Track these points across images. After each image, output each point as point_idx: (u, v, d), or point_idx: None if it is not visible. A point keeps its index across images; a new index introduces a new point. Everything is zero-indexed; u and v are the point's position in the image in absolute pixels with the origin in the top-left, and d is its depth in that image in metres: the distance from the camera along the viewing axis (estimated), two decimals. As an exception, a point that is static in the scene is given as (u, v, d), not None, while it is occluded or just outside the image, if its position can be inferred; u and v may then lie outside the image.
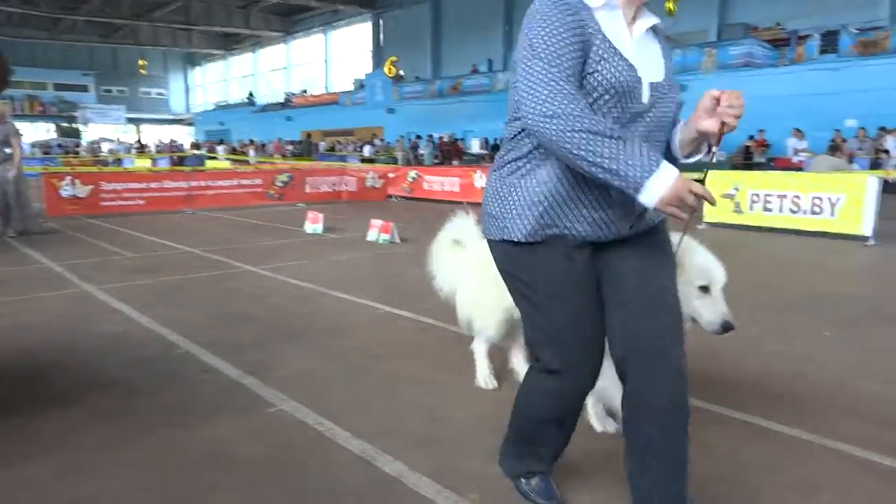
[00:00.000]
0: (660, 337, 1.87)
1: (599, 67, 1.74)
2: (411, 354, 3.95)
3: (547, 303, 1.92)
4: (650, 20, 1.88)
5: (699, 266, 2.25)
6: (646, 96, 1.81)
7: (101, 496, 2.33)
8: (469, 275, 3.26)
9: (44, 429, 2.88)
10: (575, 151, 1.66)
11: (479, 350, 3.45)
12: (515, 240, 1.91)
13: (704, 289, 2.24)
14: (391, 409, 3.12)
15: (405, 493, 2.35)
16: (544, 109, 1.68)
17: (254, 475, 2.48)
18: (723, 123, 1.76)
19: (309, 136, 31.76)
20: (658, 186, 1.62)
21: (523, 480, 2.23)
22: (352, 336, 4.34)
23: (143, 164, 25.89)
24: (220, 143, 35.57)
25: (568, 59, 1.71)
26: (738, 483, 2.39)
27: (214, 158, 27.59)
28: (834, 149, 10.49)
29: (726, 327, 2.23)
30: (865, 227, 8.44)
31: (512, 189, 1.91)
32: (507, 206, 1.92)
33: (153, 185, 12.54)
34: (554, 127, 1.67)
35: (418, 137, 27.17)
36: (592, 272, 1.92)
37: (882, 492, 2.35)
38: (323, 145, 31.18)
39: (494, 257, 2.04)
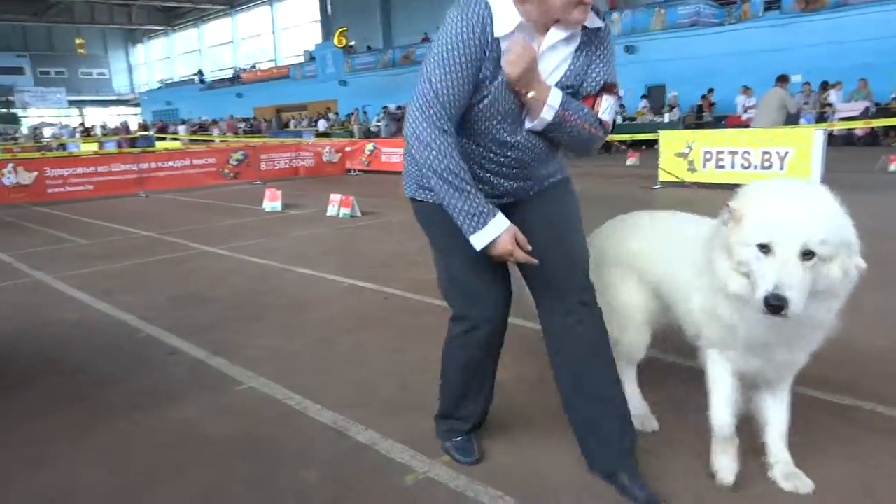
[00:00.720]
0: (569, 277, 2.11)
1: (480, 97, 1.92)
2: (377, 325, 3.97)
3: (448, 250, 2.14)
4: (559, 34, 1.92)
5: (758, 218, 1.73)
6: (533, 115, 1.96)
7: (72, 483, 2.31)
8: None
9: (8, 420, 2.83)
10: (429, 181, 1.92)
11: (625, 375, 2.46)
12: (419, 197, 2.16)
13: (764, 248, 1.70)
14: (360, 379, 3.15)
15: (379, 459, 2.39)
16: (419, 133, 1.89)
17: (226, 452, 2.49)
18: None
19: (279, 112, 31.07)
20: (482, 239, 1.90)
21: (447, 441, 2.39)
22: (317, 310, 4.33)
23: (90, 147, 24.97)
24: (183, 122, 34.60)
25: (458, 88, 1.87)
26: (686, 424, 2.49)
27: (164, 139, 26.80)
28: (782, 80, 10.61)
29: (769, 303, 1.64)
30: (813, 178, 8.73)
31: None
32: (411, 166, 2.15)
33: (101, 168, 12.16)
34: (422, 153, 1.90)
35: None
36: None
37: (827, 423, 2.49)
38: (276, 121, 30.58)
39: (413, 211, 2.22)
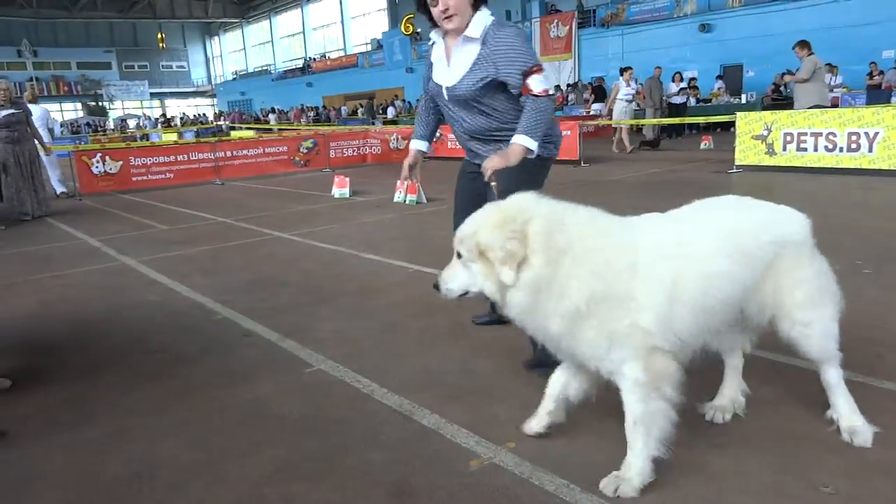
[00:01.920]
0: None
1: (427, 83, 3.16)
2: (443, 310, 3.97)
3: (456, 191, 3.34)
4: (460, 39, 2.85)
5: None
6: (445, 96, 3.00)
7: (152, 455, 2.44)
8: None
9: (95, 395, 3.02)
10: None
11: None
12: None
13: None
14: (426, 364, 3.18)
15: (443, 444, 2.41)
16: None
17: (296, 431, 2.57)
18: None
19: (372, 97, 31.64)
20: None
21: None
22: (384, 295, 4.40)
23: (170, 137, 26.11)
24: (272, 111, 35.61)
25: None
26: (771, 423, 2.39)
27: (235, 129, 27.69)
28: (809, 46, 10.23)
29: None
30: (904, 162, 8.18)
31: None
32: None
33: (181, 157, 12.68)
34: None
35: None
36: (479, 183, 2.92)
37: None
38: (345, 109, 31.03)
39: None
